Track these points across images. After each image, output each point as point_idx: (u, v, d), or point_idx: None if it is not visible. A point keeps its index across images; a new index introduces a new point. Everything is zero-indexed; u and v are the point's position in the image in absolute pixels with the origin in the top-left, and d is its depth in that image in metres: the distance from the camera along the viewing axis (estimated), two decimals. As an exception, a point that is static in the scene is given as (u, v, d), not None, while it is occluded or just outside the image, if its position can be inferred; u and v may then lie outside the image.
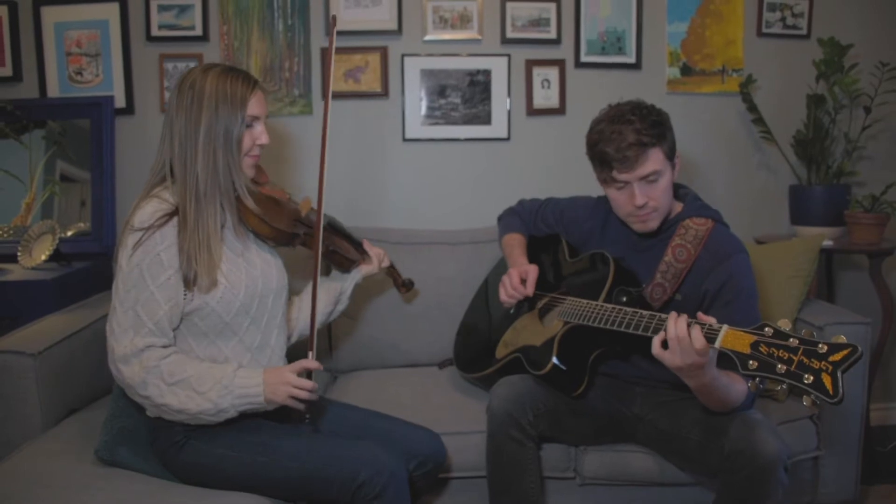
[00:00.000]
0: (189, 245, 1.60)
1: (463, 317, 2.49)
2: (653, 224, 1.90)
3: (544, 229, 2.31)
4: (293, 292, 2.03)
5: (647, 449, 2.01)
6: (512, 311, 2.19)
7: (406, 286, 2.36)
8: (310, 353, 1.71)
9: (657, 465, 2.01)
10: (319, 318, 2.01)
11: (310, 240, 1.91)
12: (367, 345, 2.59)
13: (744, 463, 1.66)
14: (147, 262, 1.57)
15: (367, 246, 2.17)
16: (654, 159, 1.82)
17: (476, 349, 2.32)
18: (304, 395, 1.64)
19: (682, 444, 1.87)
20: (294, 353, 1.85)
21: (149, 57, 2.82)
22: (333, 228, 2.08)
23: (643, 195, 1.84)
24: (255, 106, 1.69)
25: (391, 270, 2.31)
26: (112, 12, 2.80)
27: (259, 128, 1.72)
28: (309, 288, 2.00)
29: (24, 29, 2.81)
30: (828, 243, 2.69)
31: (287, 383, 1.63)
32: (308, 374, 1.69)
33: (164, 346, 1.61)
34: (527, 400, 1.90)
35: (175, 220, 1.61)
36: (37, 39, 2.80)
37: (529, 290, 2.05)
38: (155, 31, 2.81)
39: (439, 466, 1.91)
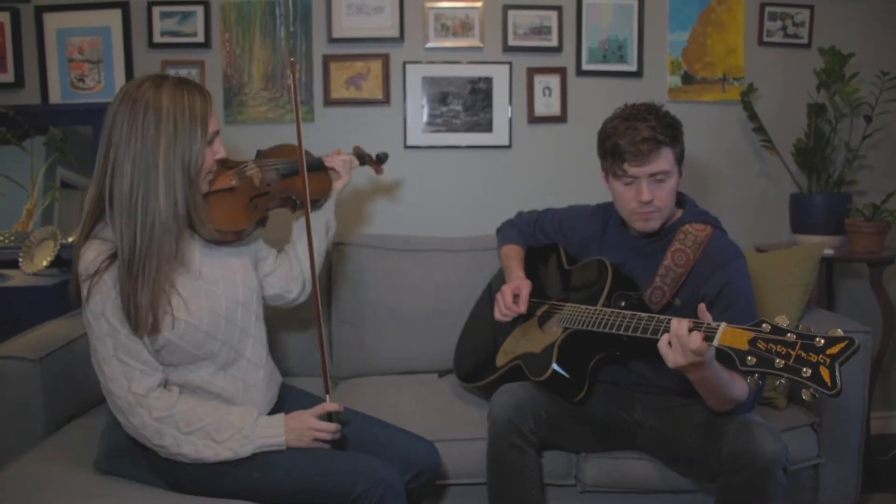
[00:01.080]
0: (140, 291, 1.50)
1: (463, 327, 2.49)
2: (654, 224, 1.91)
3: (542, 239, 2.32)
4: (284, 242, 2.05)
5: (648, 455, 2.02)
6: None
7: (380, 159, 2.35)
8: (327, 396, 1.75)
9: (657, 472, 2.01)
10: (319, 259, 2.00)
11: (278, 201, 1.91)
12: (367, 351, 2.59)
13: (743, 464, 1.66)
14: (108, 308, 1.51)
15: (328, 162, 2.09)
16: (666, 158, 1.85)
17: (476, 359, 2.32)
18: (327, 436, 1.68)
19: (682, 448, 1.88)
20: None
21: (151, 64, 2.82)
22: (288, 174, 1.96)
23: (650, 192, 1.86)
24: (213, 122, 1.61)
25: (364, 159, 2.29)
26: (114, 19, 2.80)
27: (217, 142, 1.65)
28: (301, 237, 2.01)
29: (27, 35, 2.81)
30: (828, 252, 2.70)
31: (311, 429, 1.67)
32: (329, 416, 1.71)
33: (163, 385, 1.59)
34: (528, 407, 1.90)
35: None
36: (39, 46, 2.80)
37: (522, 307, 2.06)
38: (157, 38, 2.82)
39: (434, 478, 1.90)
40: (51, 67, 2.81)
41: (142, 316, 1.51)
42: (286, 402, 1.89)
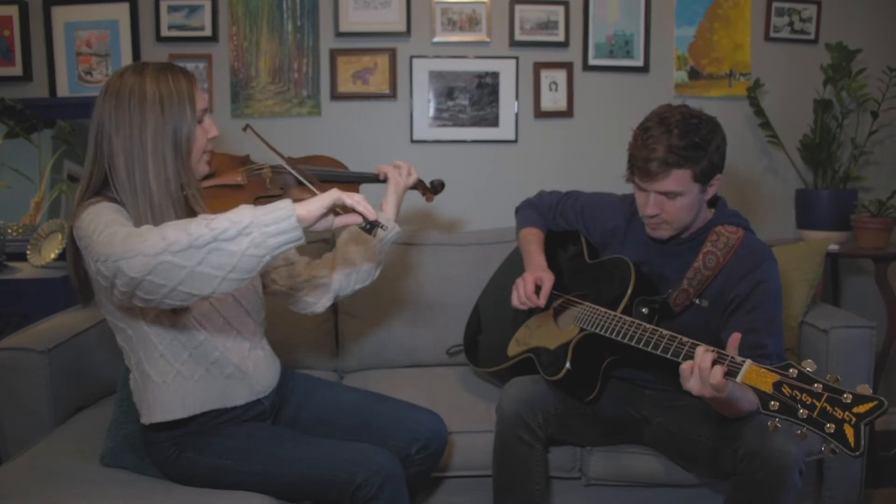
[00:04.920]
0: None
1: (474, 307, 2.48)
2: (662, 234, 1.88)
3: (563, 224, 2.26)
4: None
5: (654, 451, 2.01)
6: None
7: (434, 188, 2.16)
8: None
9: (662, 467, 2.02)
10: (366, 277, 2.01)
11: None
12: (374, 345, 2.59)
13: (759, 465, 1.65)
14: (96, 211, 1.44)
15: (384, 168, 2.02)
16: (677, 180, 1.77)
17: (487, 343, 2.31)
18: (358, 204, 1.42)
19: (692, 446, 1.86)
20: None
21: (158, 57, 2.82)
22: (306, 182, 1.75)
23: (656, 206, 1.82)
24: (200, 100, 1.58)
25: (415, 184, 2.10)
26: (122, 12, 2.81)
27: (207, 120, 1.63)
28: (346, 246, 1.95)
29: (35, 28, 2.82)
30: (834, 247, 2.70)
31: (331, 193, 1.39)
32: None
33: None
34: (538, 402, 1.89)
35: (116, 205, 1.49)
36: (47, 39, 2.81)
37: (542, 301, 2.02)
38: (165, 32, 2.83)
39: (442, 448, 1.88)
40: (59, 61, 2.82)
41: None
42: (288, 385, 1.88)
